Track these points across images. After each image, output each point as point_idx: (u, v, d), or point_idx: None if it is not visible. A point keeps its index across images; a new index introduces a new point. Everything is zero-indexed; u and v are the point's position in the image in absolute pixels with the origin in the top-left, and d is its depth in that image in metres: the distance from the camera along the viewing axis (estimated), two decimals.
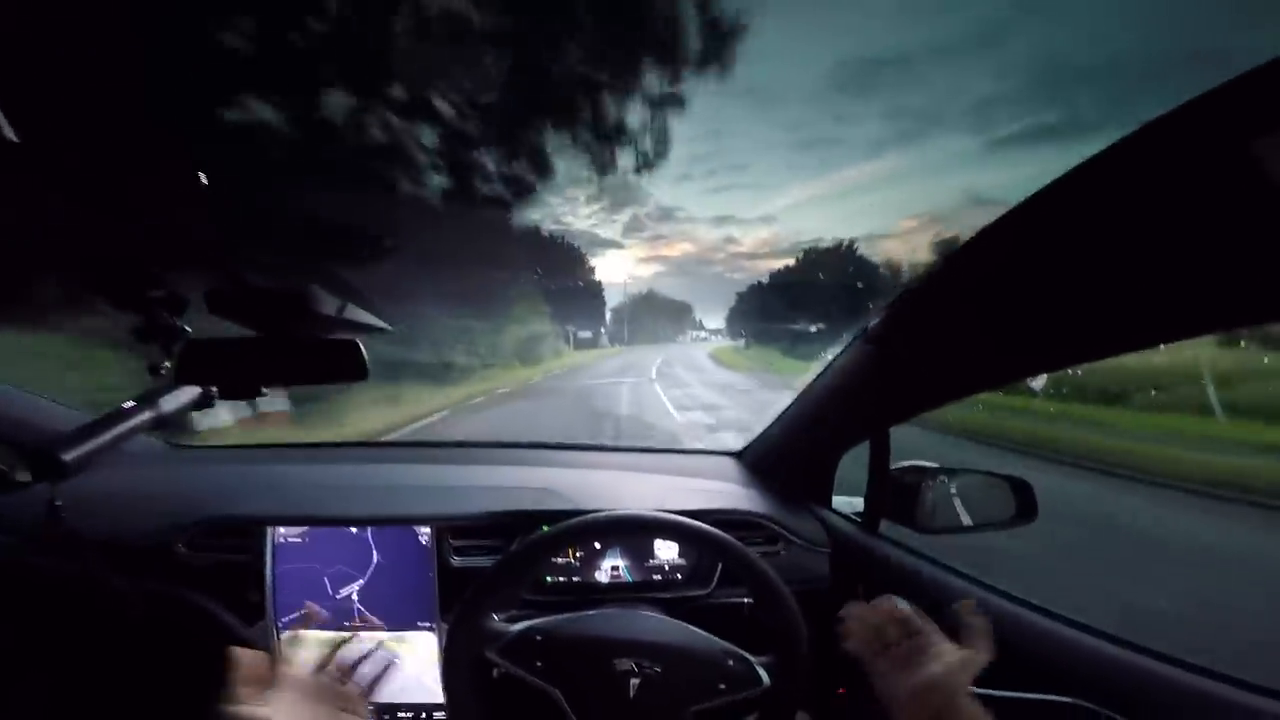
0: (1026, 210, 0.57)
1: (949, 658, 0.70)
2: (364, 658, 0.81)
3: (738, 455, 1.44)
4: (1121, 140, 0.46)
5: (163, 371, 0.84)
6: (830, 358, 1.05)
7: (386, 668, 0.84)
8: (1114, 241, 0.52)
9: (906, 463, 1.10)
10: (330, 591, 1.14)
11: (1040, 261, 0.61)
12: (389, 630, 1.13)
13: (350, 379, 0.77)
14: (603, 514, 0.88)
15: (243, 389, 0.85)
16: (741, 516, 1.16)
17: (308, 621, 1.12)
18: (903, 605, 0.78)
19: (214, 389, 0.90)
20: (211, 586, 1.14)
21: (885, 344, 0.86)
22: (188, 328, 0.81)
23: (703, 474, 1.35)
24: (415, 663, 1.12)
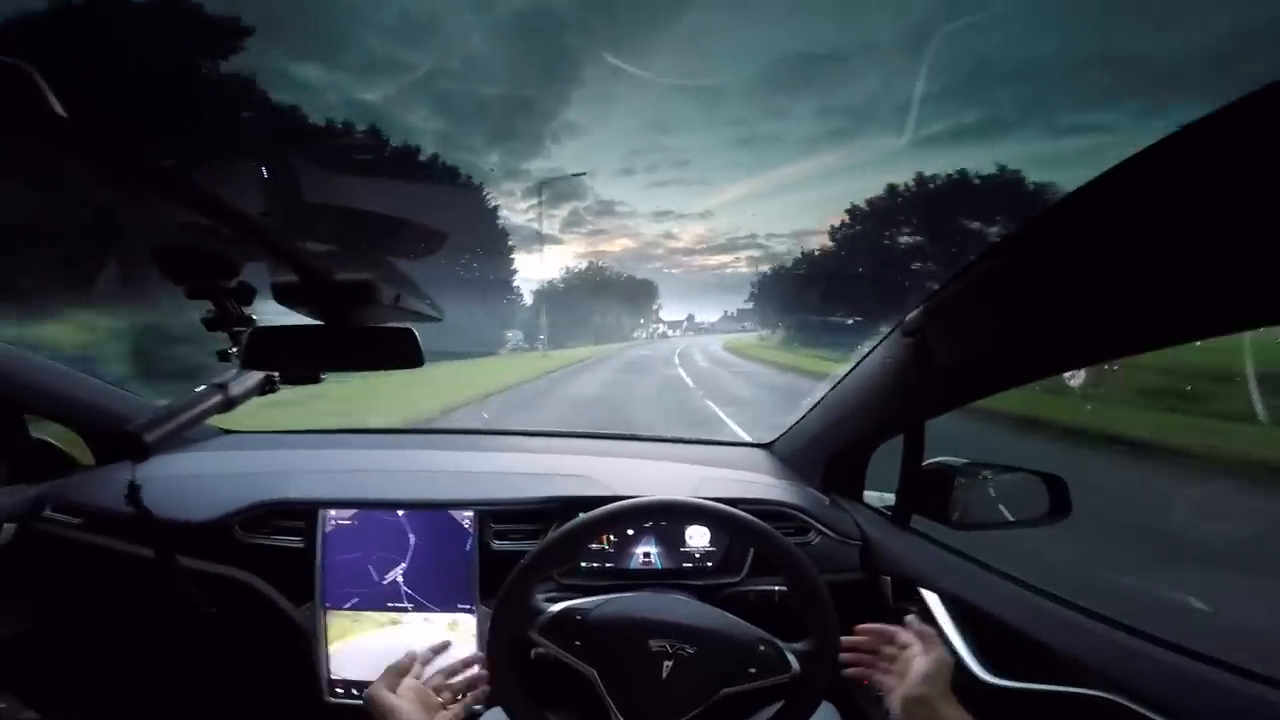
0: (1070, 203, 0.59)
1: (921, 669, 0.77)
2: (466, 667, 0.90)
3: (769, 446, 1.45)
4: (1166, 138, 0.48)
5: (231, 357, 0.89)
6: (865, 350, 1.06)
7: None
8: (1154, 237, 0.53)
9: (940, 458, 1.11)
10: (376, 573, 1.18)
11: (1081, 255, 0.62)
12: (429, 612, 1.17)
13: (406, 365, 0.80)
14: (644, 499, 0.91)
15: (304, 374, 0.89)
16: (773, 507, 1.18)
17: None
18: (889, 627, 0.86)
19: (276, 374, 0.95)
20: (263, 567, 1.19)
21: (923, 336, 0.87)
22: (255, 316, 0.86)
23: (734, 464, 1.37)
24: (455, 644, 1.16)
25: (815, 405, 1.28)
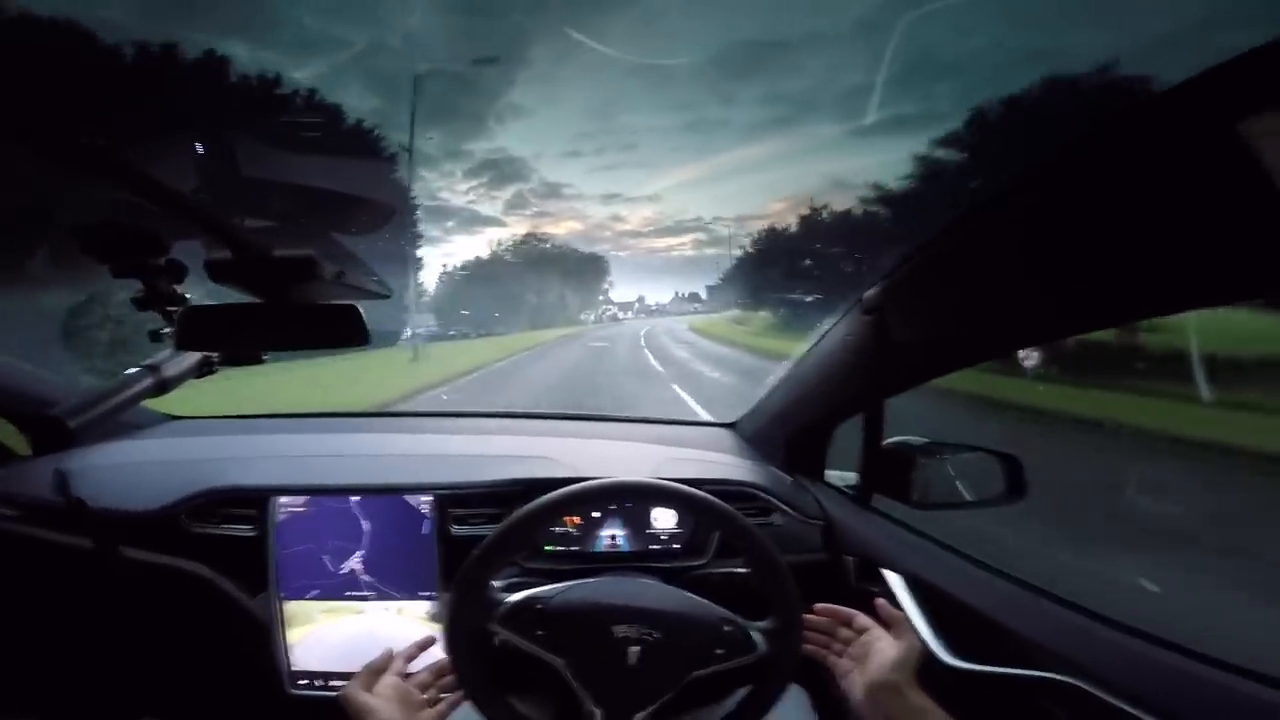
0: (1027, 182, 0.59)
1: (887, 655, 0.76)
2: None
3: (732, 426, 1.45)
4: (1118, 116, 0.48)
5: (163, 338, 0.85)
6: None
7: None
8: (1109, 215, 0.54)
9: (900, 437, 1.11)
10: (333, 561, 1.15)
11: (1037, 233, 0.62)
12: (391, 600, 1.15)
13: (352, 343, 0.78)
14: (599, 481, 0.89)
15: (243, 354, 0.85)
16: (736, 487, 1.17)
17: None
18: (846, 610, 0.85)
19: (215, 355, 0.91)
20: (214, 557, 1.15)
21: (881, 314, 0.86)
22: (188, 295, 0.82)
23: (698, 444, 1.36)
24: (417, 632, 1.14)
25: (778, 384, 1.27)
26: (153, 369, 0.86)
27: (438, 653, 0.88)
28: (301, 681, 1.16)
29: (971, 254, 0.71)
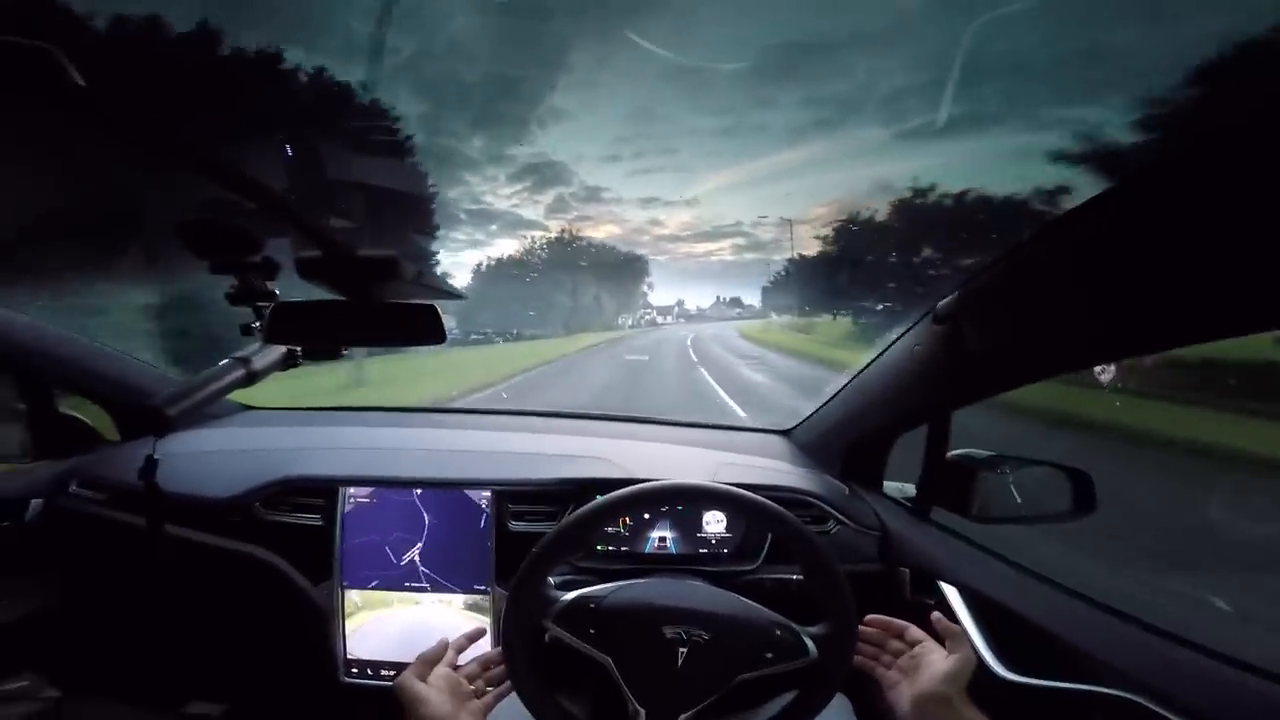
0: (1109, 195, 0.58)
1: (940, 667, 0.75)
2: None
3: (787, 433, 1.44)
4: (1206, 136, 0.48)
5: (254, 332, 0.89)
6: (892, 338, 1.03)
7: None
8: (1191, 232, 0.53)
9: (963, 450, 1.09)
10: (394, 552, 1.19)
11: (1118, 248, 0.61)
12: (446, 592, 1.18)
13: (429, 341, 0.80)
14: (659, 483, 0.90)
15: (325, 349, 0.89)
16: (791, 494, 1.17)
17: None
18: (898, 621, 0.85)
19: (299, 349, 0.95)
20: (283, 545, 1.20)
21: (955, 324, 0.85)
22: (278, 290, 0.86)
23: (752, 450, 1.36)
24: (468, 624, 1.16)
25: (837, 393, 1.26)
26: (243, 361, 0.91)
27: (485, 645, 0.89)
28: (354, 670, 1.20)
29: (1051, 265, 0.70)
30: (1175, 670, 0.70)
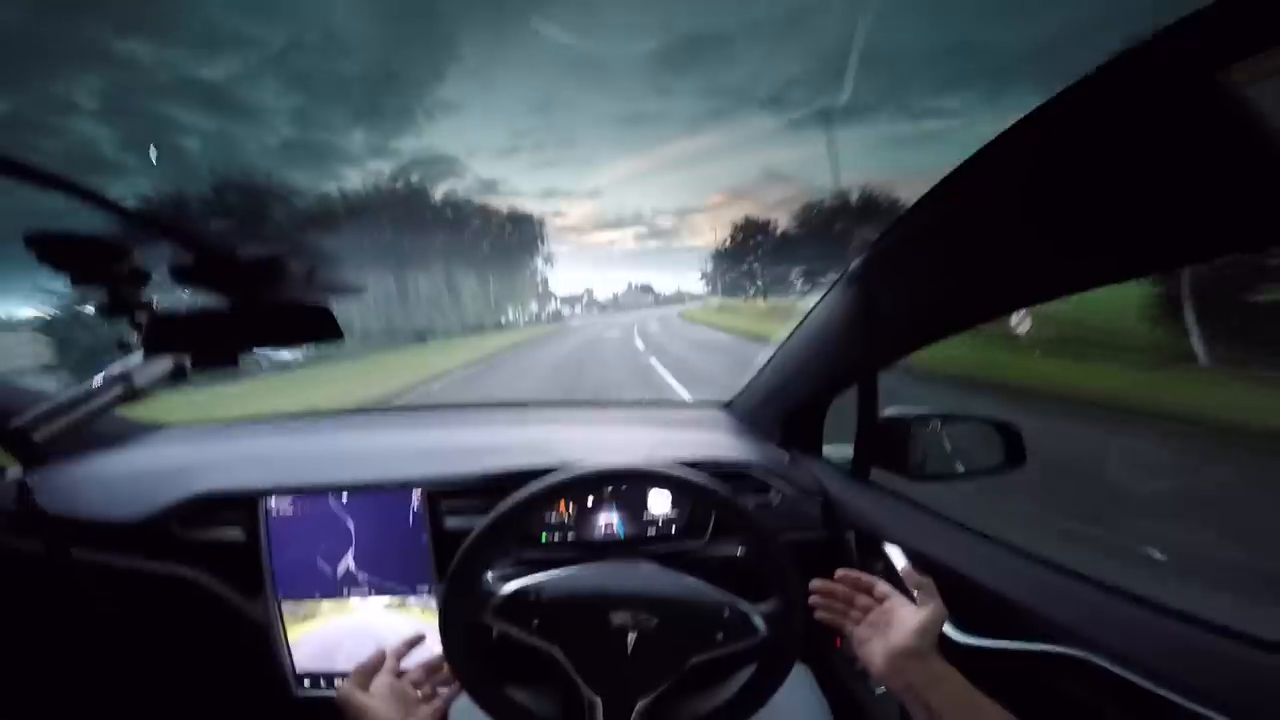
0: (1000, 146, 0.58)
1: (911, 621, 0.74)
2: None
3: (727, 406, 1.44)
4: (1091, 73, 0.47)
5: (132, 346, 0.82)
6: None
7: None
8: (1084, 174, 0.53)
9: (895, 408, 1.10)
10: (328, 559, 1.14)
11: (1014, 196, 0.61)
12: (390, 595, 1.14)
13: (326, 339, 0.76)
14: (582, 468, 0.87)
15: (217, 356, 0.83)
16: (732, 467, 1.16)
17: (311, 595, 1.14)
18: (867, 576, 0.83)
19: (186, 360, 0.88)
20: (208, 563, 1.14)
21: (867, 284, 0.84)
22: (152, 300, 0.79)
23: (692, 425, 1.35)
24: (414, 627, 1.14)
25: (769, 361, 1.25)
26: (123, 377, 0.84)
27: (430, 647, 0.87)
28: (307, 682, 1.17)
29: (949, 220, 0.70)
30: (1126, 627, 0.70)
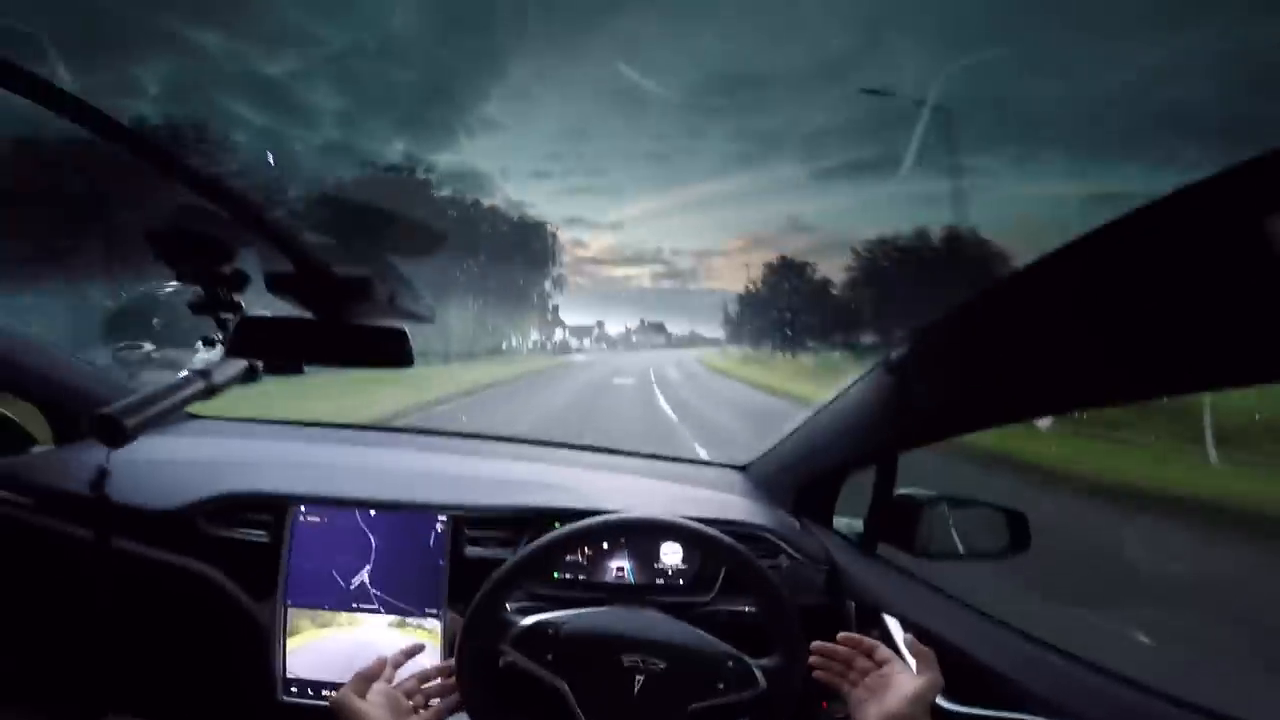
0: (1054, 259, 0.62)
1: (907, 688, 0.77)
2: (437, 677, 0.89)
3: (743, 469, 1.48)
4: (1148, 205, 0.52)
5: (215, 344, 0.88)
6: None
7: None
8: (1132, 298, 0.57)
9: (908, 489, 1.15)
10: (343, 572, 1.16)
11: (1055, 312, 0.66)
12: (396, 615, 1.16)
13: (395, 364, 0.80)
14: (621, 515, 0.92)
15: (288, 365, 0.89)
16: (745, 528, 1.19)
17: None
18: (869, 640, 0.86)
19: (260, 364, 0.94)
20: (225, 561, 1.16)
21: (904, 373, 0.91)
22: (243, 303, 0.85)
23: (709, 484, 1.39)
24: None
25: (793, 431, 1.31)
26: (204, 373, 0.89)
27: (424, 660, 0.89)
28: (294, 689, 1.16)
29: (990, 325, 0.76)
30: (1109, 705, 0.74)
